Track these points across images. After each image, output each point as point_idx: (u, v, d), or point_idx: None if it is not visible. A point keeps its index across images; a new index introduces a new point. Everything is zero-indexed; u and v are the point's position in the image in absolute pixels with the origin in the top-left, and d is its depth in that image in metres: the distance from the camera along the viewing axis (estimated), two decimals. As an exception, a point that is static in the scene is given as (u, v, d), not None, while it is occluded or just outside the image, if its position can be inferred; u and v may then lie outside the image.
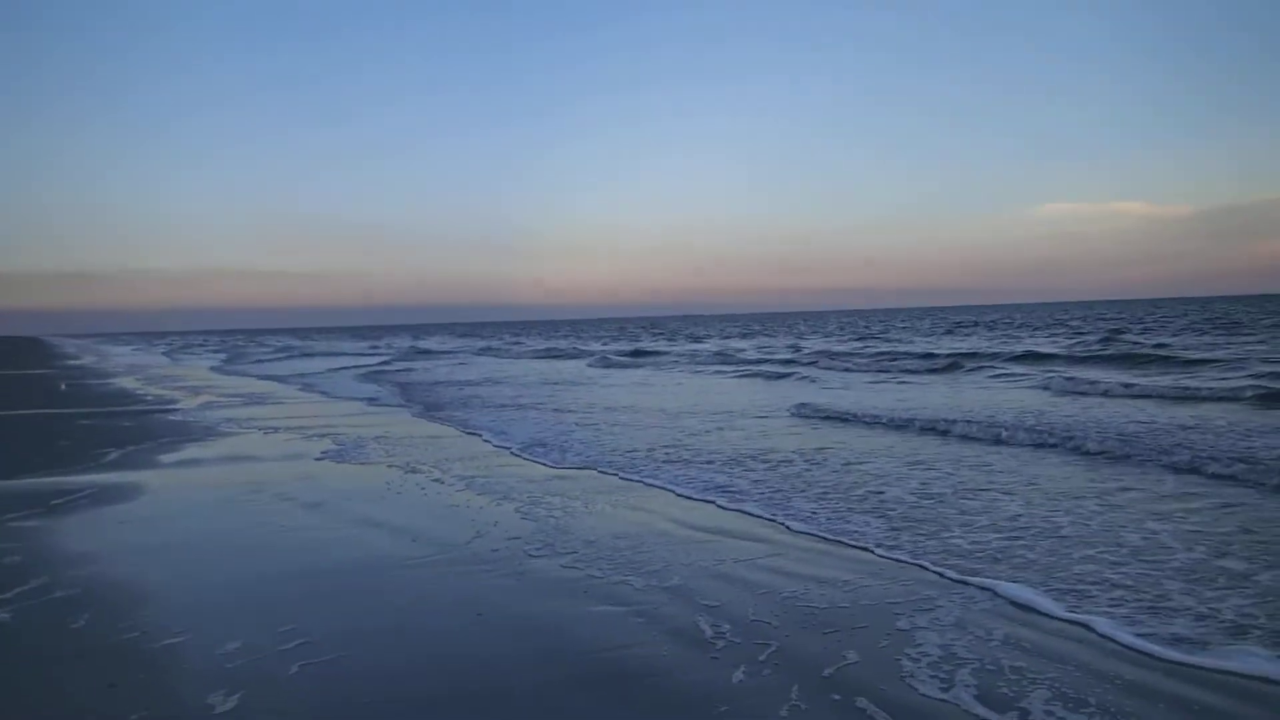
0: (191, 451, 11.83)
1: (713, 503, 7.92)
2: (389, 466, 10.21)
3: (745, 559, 6.04)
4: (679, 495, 8.29)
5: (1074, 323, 57.22)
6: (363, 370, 32.99)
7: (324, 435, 13.27)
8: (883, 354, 29.89)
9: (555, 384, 24.16)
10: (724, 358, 34.28)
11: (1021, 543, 6.24)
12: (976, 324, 62.39)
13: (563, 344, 56.28)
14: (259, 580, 5.76)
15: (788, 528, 6.91)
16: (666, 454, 10.72)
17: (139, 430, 14.27)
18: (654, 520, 7.27)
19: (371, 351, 53.75)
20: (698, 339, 58.68)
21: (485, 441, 12.36)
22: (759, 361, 31.13)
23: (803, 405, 15.36)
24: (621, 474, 9.46)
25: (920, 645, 4.42)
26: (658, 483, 8.87)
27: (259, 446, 12.30)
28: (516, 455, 11.03)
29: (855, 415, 13.84)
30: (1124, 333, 38.82)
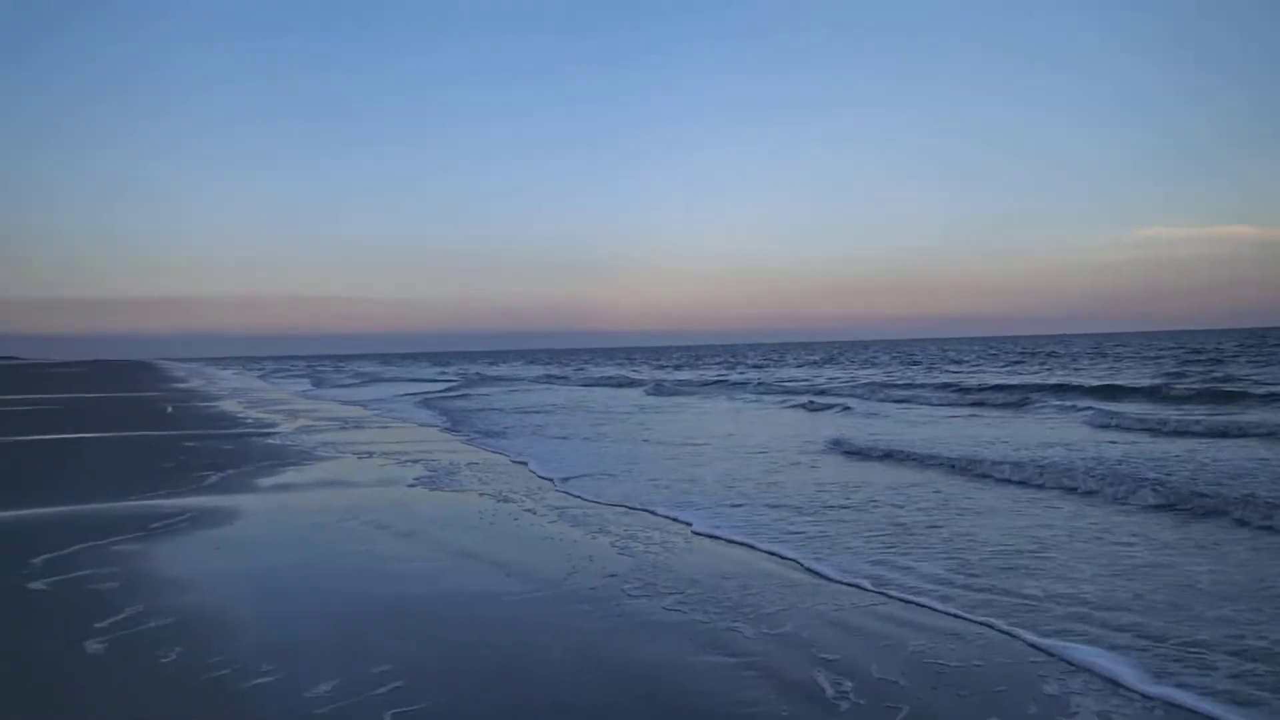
0: (289, 475, 11.91)
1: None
2: (480, 495, 10.04)
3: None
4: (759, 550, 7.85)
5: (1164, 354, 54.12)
6: (422, 397, 33.39)
7: (414, 461, 13.24)
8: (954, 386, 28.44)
9: (600, 413, 23.74)
10: (782, 388, 33.36)
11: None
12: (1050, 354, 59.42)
13: (623, 370, 56.46)
14: (353, 614, 5.56)
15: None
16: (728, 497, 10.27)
17: (239, 453, 14.50)
18: (755, 559, 6.87)
19: (439, 377, 54.70)
20: (760, 365, 57.92)
21: (530, 471, 12.12)
22: (832, 391, 30.03)
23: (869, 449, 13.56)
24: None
25: (1079, 705, 3.92)
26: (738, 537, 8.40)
27: (352, 469, 12.33)
28: (558, 488, 10.74)
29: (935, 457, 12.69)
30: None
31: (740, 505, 9.10)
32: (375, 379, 55.28)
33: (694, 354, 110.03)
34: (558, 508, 9.17)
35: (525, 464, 12.81)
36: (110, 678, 4.48)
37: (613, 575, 6.38)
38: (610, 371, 55.93)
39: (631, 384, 41.07)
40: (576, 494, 10.03)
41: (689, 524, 8.20)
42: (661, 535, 7.75)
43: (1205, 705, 3.95)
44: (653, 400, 29.74)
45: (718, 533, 7.81)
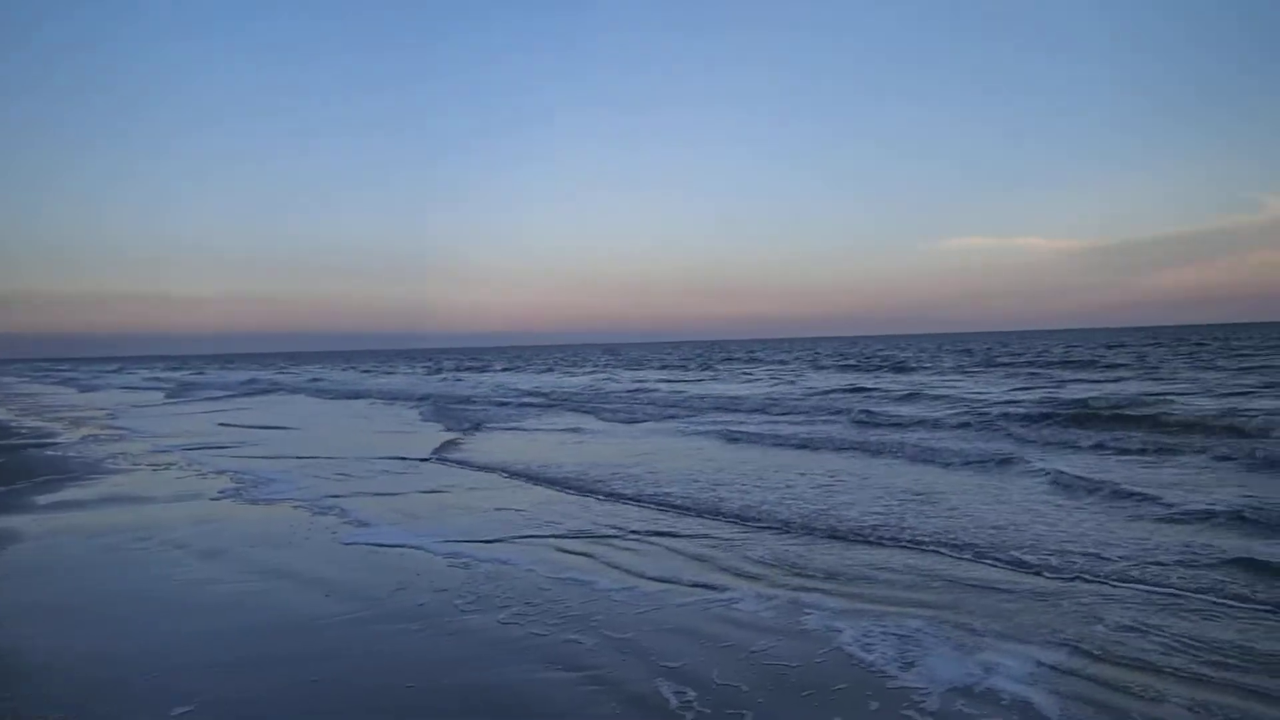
0: (72, 492, 10.74)
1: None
2: (294, 508, 9.40)
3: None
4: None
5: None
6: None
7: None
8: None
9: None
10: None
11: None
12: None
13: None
14: (152, 648, 4.99)
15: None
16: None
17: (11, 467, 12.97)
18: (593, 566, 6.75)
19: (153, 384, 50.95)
20: (519, 369, 58.35)
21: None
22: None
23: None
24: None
25: (922, 703, 4.02)
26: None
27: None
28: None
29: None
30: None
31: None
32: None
33: (472, 355, 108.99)
34: (367, 520, 8.71)
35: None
36: None
37: (444, 590, 6.08)
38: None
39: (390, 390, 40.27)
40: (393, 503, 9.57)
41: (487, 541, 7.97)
42: (474, 546, 7.49)
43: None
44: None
45: (550, 542, 7.64)
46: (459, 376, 47.91)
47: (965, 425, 15.72)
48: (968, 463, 11.46)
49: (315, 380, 48.79)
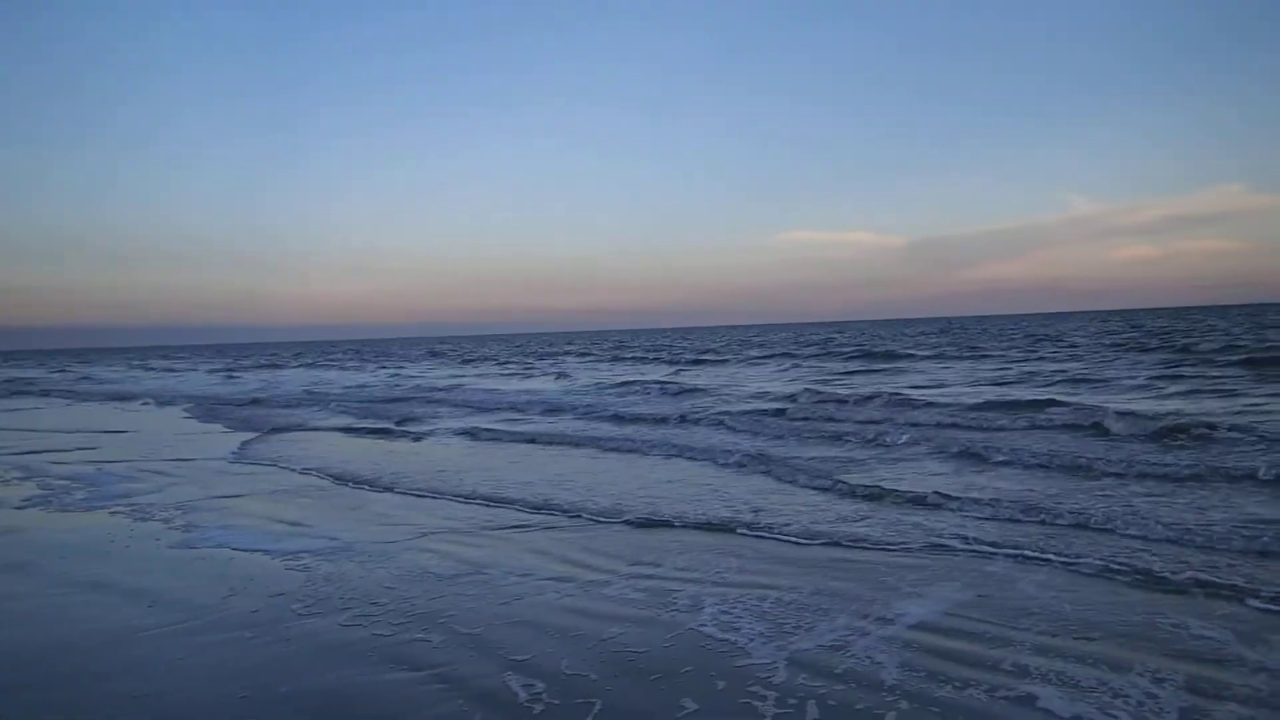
0: None
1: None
2: (111, 514, 8.74)
3: (548, 600, 5.51)
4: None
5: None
6: None
7: None
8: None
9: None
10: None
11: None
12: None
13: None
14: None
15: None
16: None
17: None
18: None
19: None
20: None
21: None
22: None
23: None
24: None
25: (768, 677, 4.13)
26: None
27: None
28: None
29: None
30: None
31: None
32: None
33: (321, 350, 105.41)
34: (198, 527, 8.22)
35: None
36: None
37: (280, 594, 5.79)
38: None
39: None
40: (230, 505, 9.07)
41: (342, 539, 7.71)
42: (325, 543, 7.20)
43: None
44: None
45: (397, 536, 7.42)
46: (238, 376, 44.17)
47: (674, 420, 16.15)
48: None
49: (84, 379, 45.02)
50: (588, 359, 48.54)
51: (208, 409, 24.05)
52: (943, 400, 16.86)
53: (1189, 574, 5.61)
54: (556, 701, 4.00)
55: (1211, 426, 11.22)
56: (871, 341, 53.17)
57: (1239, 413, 13.48)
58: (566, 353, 60.63)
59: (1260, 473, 8.44)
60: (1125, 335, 44.21)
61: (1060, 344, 39.10)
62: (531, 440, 14.32)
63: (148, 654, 4.74)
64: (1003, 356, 32.22)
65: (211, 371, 51.30)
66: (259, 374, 46.41)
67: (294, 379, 39.78)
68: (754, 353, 45.54)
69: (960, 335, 59.34)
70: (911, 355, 35.55)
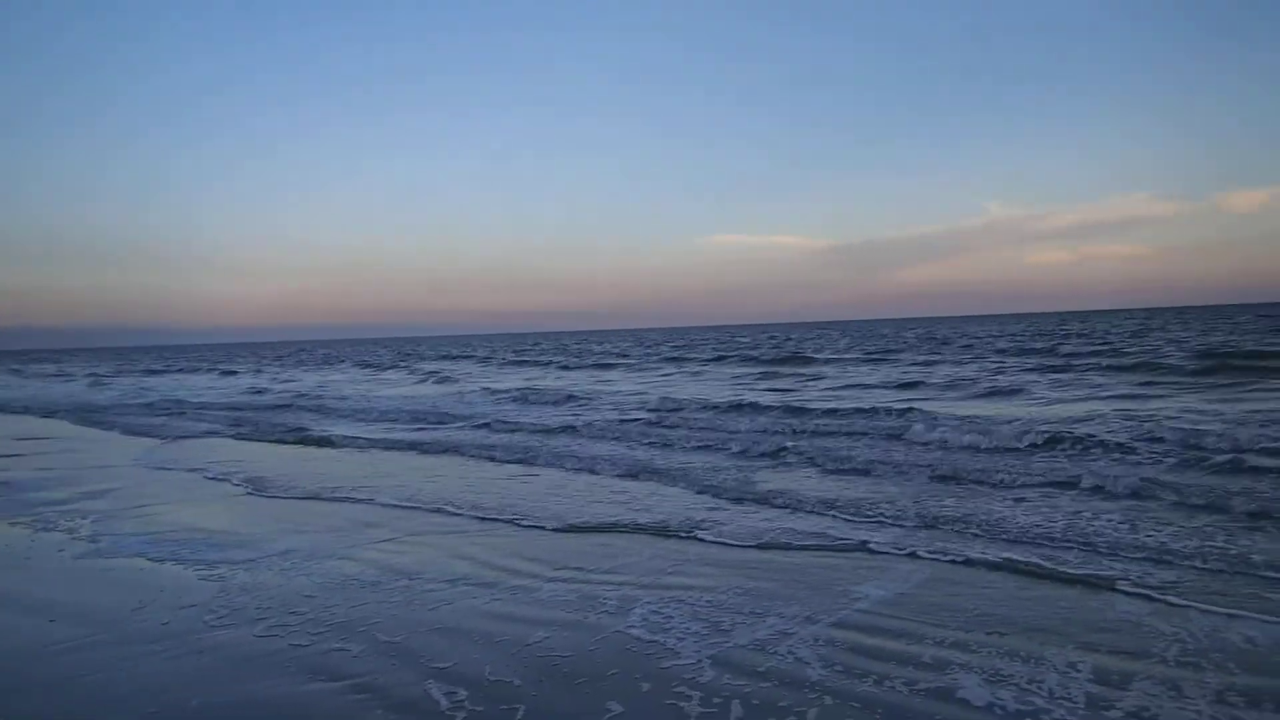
0: None
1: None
2: (10, 525, 8.33)
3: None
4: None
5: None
6: None
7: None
8: None
9: None
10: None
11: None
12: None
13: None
14: None
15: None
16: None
17: None
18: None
19: None
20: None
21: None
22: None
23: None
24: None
25: (694, 677, 4.13)
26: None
27: None
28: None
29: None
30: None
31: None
32: None
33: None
34: (114, 535, 7.90)
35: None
36: None
37: (192, 605, 5.59)
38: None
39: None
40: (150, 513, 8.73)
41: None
42: (240, 552, 6.98)
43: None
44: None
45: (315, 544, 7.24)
46: (107, 382, 41.70)
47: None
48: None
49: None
50: (489, 364, 47.63)
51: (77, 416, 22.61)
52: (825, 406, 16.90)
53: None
54: (480, 708, 3.94)
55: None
56: (782, 345, 53.71)
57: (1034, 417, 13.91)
58: (469, 357, 59.65)
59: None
60: (1018, 340, 45.60)
61: (963, 348, 39.87)
62: (412, 447, 13.85)
63: (50, 672, 4.52)
64: (910, 361, 32.87)
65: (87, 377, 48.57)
66: (137, 380, 44.08)
67: (164, 386, 37.99)
68: (656, 357, 45.55)
69: (879, 340, 60.71)
70: (813, 360, 36.01)
